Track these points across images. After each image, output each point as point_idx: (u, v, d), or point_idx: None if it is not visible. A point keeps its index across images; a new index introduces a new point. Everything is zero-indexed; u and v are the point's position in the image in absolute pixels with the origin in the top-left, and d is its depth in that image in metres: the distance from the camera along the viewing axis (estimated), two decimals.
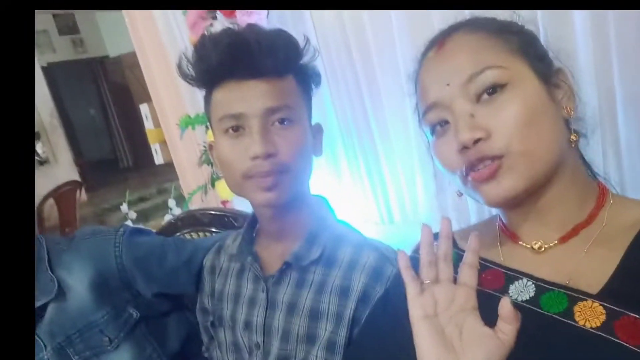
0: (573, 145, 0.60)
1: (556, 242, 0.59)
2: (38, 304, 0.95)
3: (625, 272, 0.53)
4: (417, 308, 0.56)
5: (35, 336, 0.96)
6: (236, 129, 0.79)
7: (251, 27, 0.82)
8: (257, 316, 0.87)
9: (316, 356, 0.80)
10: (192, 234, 1.34)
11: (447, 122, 0.60)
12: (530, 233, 0.61)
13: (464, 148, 0.56)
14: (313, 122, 0.89)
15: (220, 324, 0.95)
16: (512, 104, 0.55)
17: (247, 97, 0.78)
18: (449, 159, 0.59)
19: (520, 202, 0.59)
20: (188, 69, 0.82)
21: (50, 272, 0.97)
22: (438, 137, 0.61)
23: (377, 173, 1.55)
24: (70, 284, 0.98)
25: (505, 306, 0.51)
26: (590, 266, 0.56)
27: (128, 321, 1.01)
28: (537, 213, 0.60)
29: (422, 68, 0.63)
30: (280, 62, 0.79)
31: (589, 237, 0.58)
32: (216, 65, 0.78)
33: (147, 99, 2.33)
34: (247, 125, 0.78)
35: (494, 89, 0.56)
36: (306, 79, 0.85)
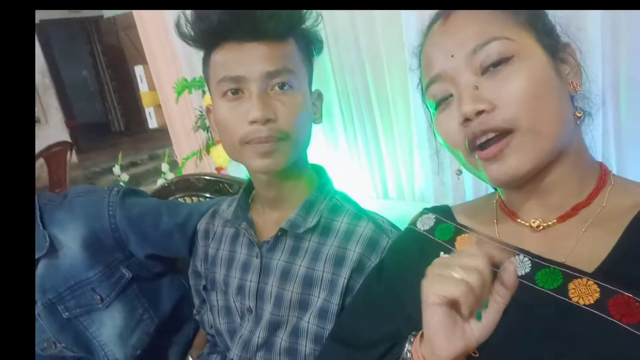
0: (578, 122, 0.59)
1: (555, 221, 0.60)
2: None
3: (621, 253, 0.53)
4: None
5: None
6: (235, 92, 0.78)
7: None
8: (250, 281, 0.88)
9: (308, 322, 0.81)
10: (185, 198, 1.33)
11: (450, 95, 0.59)
12: (529, 211, 0.61)
13: (467, 120, 0.55)
14: (313, 89, 0.88)
15: (212, 287, 0.96)
16: (517, 76, 0.55)
17: (247, 59, 0.76)
18: (451, 133, 0.59)
19: (523, 183, 0.58)
20: (187, 29, 0.79)
21: (42, 228, 0.96)
22: (441, 111, 0.60)
23: (375, 147, 1.54)
24: (62, 241, 0.98)
25: (509, 270, 0.51)
26: (587, 246, 0.56)
27: (120, 281, 1.01)
28: (539, 193, 0.60)
29: (427, 41, 0.62)
30: (283, 24, 0.77)
31: (588, 217, 0.58)
32: (216, 25, 0.76)
33: (142, 61, 2.28)
34: (247, 88, 0.77)
35: (499, 61, 0.55)
36: (308, 44, 0.84)
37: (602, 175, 0.61)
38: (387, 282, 0.70)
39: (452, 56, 0.57)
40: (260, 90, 0.76)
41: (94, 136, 7.90)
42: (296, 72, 0.79)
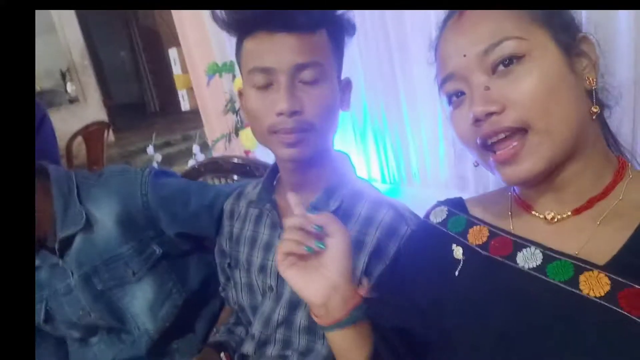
0: (594, 117, 0.58)
1: (569, 213, 0.60)
2: (67, 233, 1.01)
3: (634, 246, 0.53)
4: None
5: (63, 265, 1.02)
6: (264, 82, 0.80)
7: None
8: (272, 261, 0.91)
9: None
10: (214, 179, 1.38)
11: (463, 93, 0.59)
12: (544, 204, 0.62)
13: (477, 120, 0.56)
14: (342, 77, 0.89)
15: (236, 265, 1.00)
16: (528, 75, 0.54)
17: (278, 50, 0.78)
18: (463, 131, 0.59)
19: (538, 181, 0.59)
20: (221, 14, 0.82)
21: (79, 204, 1.02)
22: (455, 107, 0.61)
23: (401, 133, 1.54)
24: (97, 217, 1.03)
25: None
26: (601, 239, 0.56)
27: (151, 256, 1.06)
28: (554, 187, 0.60)
29: (441, 37, 0.62)
30: (314, 16, 0.78)
31: (603, 210, 0.58)
32: (250, 13, 0.78)
33: (176, 44, 2.33)
34: (275, 80, 0.78)
35: (510, 60, 0.55)
36: (340, 31, 0.84)
37: (620, 168, 0.60)
38: (401, 272, 0.72)
39: (465, 56, 0.57)
40: (288, 83, 0.78)
41: (131, 116, 8.10)
42: (325, 63, 0.81)
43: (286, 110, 0.77)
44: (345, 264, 0.67)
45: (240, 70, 0.86)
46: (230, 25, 0.82)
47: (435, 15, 1.29)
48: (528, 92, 0.54)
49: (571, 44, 0.58)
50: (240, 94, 0.89)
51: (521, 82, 0.54)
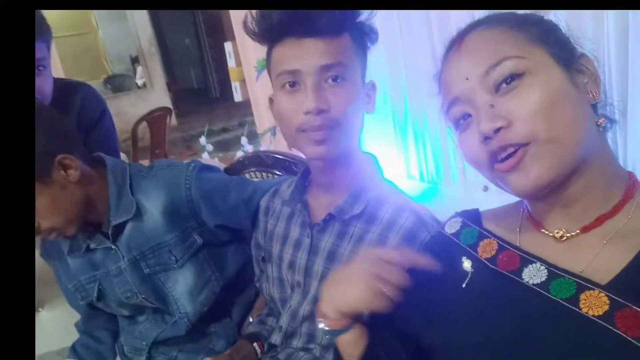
0: (601, 129, 0.59)
1: (578, 231, 0.60)
2: (119, 220, 1.10)
3: (636, 267, 0.53)
4: None
5: (115, 248, 1.12)
6: (292, 84, 0.84)
7: None
8: (300, 258, 0.96)
9: None
10: (255, 173, 1.45)
11: (469, 116, 0.61)
12: (554, 222, 0.62)
13: (486, 138, 0.57)
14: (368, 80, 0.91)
15: (269, 259, 1.06)
16: (530, 90, 0.56)
17: (304, 54, 0.82)
18: (473, 152, 0.61)
19: (547, 193, 0.59)
20: (252, 26, 0.87)
21: (130, 195, 1.11)
22: (462, 130, 0.62)
23: (441, 133, 1.54)
24: (147, 207, 1.12)
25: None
26: (606, 257, 0.56)
27: (192, 245, 1.14)
28: (563, 203, 0.60)
29: (444, 67, 0.64)
30: (336, 21, 0.81)
31: (612, 228, 0.58)
32: (276, 22, 0.83)
33: (232, 37, 2.41)
34: (302, 81, 0.83)
35: (512, 78, 0.56)
36: (362, 36, 0.88)
37: (631, 185, 0.60)
38: (416, 279, 0.74)
39: (467, 79, 0.59)
40: (314, 83, 0.82)
41: (193, 101, 8.42)
42: (349, 65, 0.84)
43: (313, 109, 0.81)
44: None
45: (271, 78, 0.91)
46: (260, 35, 0.87)
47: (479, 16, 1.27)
48: (532, 105, 0.55)
49: (570, 59, 0.59)
50: (271, 100, 0.94)
51: (524, 96, 0.56)
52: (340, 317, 0.68)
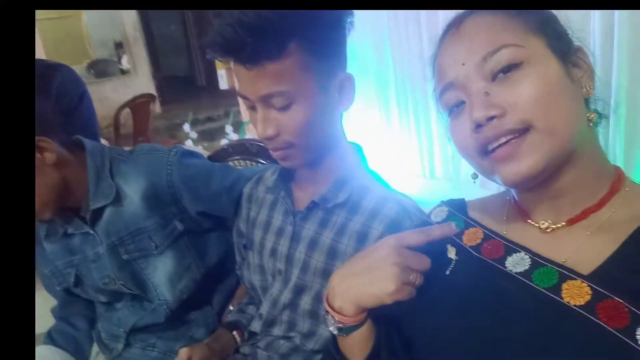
0: (591, 124, 0.59)
1: (564, 223, 0.60)
2: (98, 205, 1.08)
3: (619, 259, 0.54)
4: None
5: (94, 233, 1.10)
6: (250, 107, 0.86)
7: (240, 13, 0.77)
8: (282, 245, 0.95)
9: None
10: (240, 161, 1.43)
11: (463, 102, 0.60)
12: (541, 213, 0.62)
13: (478, 126, 0.57)
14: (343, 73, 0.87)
15: (250, 247, 1.05)
16: (527, 80, 0.55)
17: (246, 82, 0.82)
18: (463, 139, 0.60)
19: (536, 185, 0.59)
20: (207, 43, 0.82)
21: (110, 179, 1.09)
22: (454, 117, 0.61)
23: (426, 127, 1.54)
24: (126, 191, 1.10)
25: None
26: (589, 249, 0.57)
27: (173, 232, 1.13)
28: (551, 195, 0.60)
29: (440, 50, 0.63)
30: (275, 45, 0.77)
31: (597, 221, 0.58)
32: (219, 46, 0.80)
33: None
34: (255, 105, 0.84)
35: (509, 68, 0.56)
36: (316, 46, 0.81)
37: (617, 179, 0.60)
38: None
39: (463, 64, 0.58)
40: (262, 110, 0.83)
41: (178, 89, 8.31)
42: (294, 86, 0.80)
43: (262, 136, 0.84)
44: None
45: None
46: (214, 55, 0.84)
47: None
48: (528, 94, 0.55)
49: (566, 52, 0.58)
50: None
51: (521, 85, 0.55)
52: (358, 312, 0.64)
